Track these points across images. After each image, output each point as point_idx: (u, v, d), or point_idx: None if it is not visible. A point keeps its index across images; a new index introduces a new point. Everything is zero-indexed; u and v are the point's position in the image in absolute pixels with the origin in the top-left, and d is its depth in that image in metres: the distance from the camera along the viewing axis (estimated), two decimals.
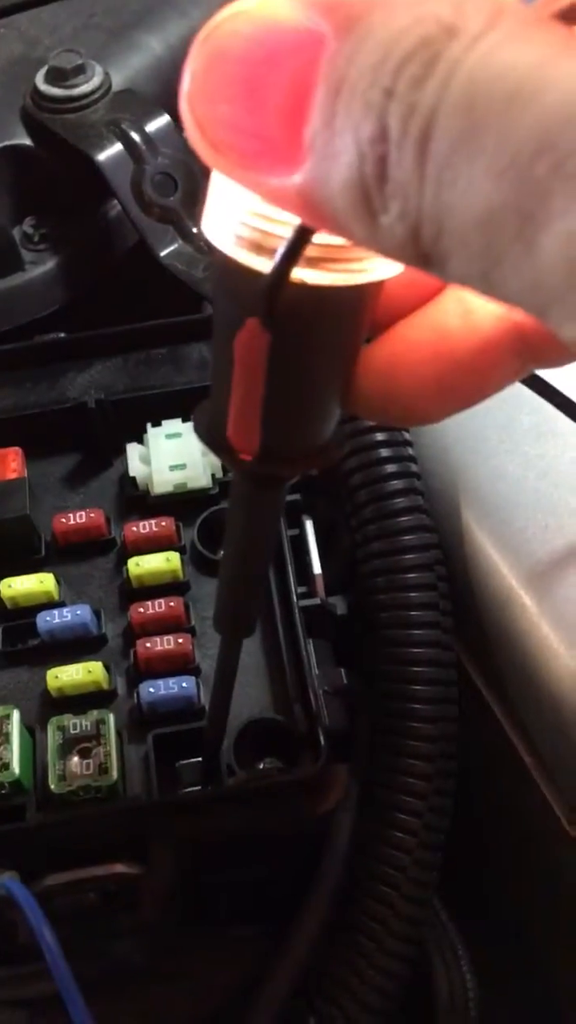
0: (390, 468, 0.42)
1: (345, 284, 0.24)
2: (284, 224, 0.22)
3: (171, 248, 0.55)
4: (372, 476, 0.42)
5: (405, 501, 0.42)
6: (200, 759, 0.40)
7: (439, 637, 0.41)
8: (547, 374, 0.39)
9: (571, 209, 0.16)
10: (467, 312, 0.28)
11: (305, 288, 0.24)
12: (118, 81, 0.58)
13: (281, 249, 0.23)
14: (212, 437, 0.28)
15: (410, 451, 0.43)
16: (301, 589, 0.43)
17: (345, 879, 0.40)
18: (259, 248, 0.24)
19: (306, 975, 0.39)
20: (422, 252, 0.19)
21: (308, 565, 0.44)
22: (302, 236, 0.22)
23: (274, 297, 0.24)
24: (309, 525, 0.44)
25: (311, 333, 0.26)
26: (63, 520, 0.45)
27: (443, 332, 0.28)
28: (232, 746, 0.40)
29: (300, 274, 0.24)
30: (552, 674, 0.38)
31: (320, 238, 0.23)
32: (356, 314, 0.27)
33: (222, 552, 0.33)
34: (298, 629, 0.41)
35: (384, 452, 0.42)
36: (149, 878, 0.38)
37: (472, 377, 0.28)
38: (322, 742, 0.38)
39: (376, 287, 0.26)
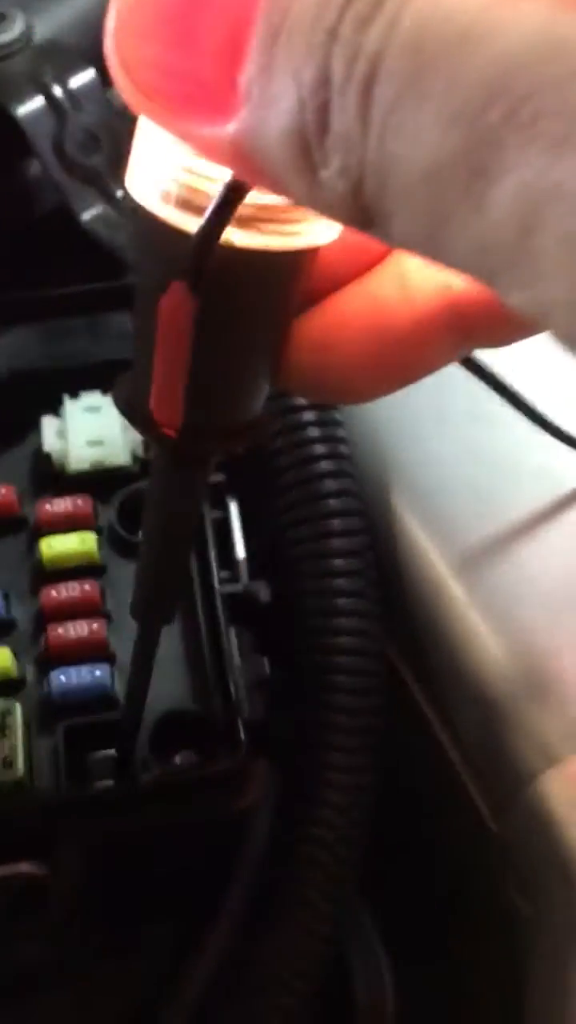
0: (319, 449, 0.40)
1: (279, 248, 0.23)
2: (215, 180, 0.21)
3: (93, 212, 0.52)
4: (300, 457, 0.40)
5: (334, 484, 0.40)
6: (113, 752, 0.38)
7: (366, 625, 0.39)
8: (484, 355, 0.37)
9: (524, 162, 0.14)
10: (405, 284, 0.26)
11: (235, 251, 0.22)
12: (42, 32, 0.55)
13: (211, 207, 0.21)
14: (133, 410, 0.26)
15: (341, 432, 0.41)
16: (224, 574, 0.41)
17: (262, 876, 0.38)
18: (187, 206, 0.22)
19: (222, 973, 0.38)
20: (364, 210, 0.17)
21: (232, 549, 0.42)
22: (234, 192, 0.20)
23: (202, 259, 0.22)
24: (234, 507, 0.43)
25: (240, 300, 0.24)
26: None
27: (379, 304, 0.26)
28: (148, 739, 0.38)
29: (230, 235, 0.22)
30: (479, 665, 0.37)
31: (254, 196, 0.21)
32: (289, 281, 0.25)
33: (141, 534, 0.31)
34: (219, 616, 0.39)
35: (313, 432, 0.40)
36: (56, 878, 0.36)
37: (408, 352, 0.27)
38: (241, 735, 0.36)
39: (311, 253, 0.25)
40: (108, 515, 0.42)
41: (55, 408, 0.44)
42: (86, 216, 0.52)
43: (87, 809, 0.36)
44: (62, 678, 0.38)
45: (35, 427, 0.44)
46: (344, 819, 0.38)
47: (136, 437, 0.43)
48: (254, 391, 0.26)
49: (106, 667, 0.38)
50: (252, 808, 0.37)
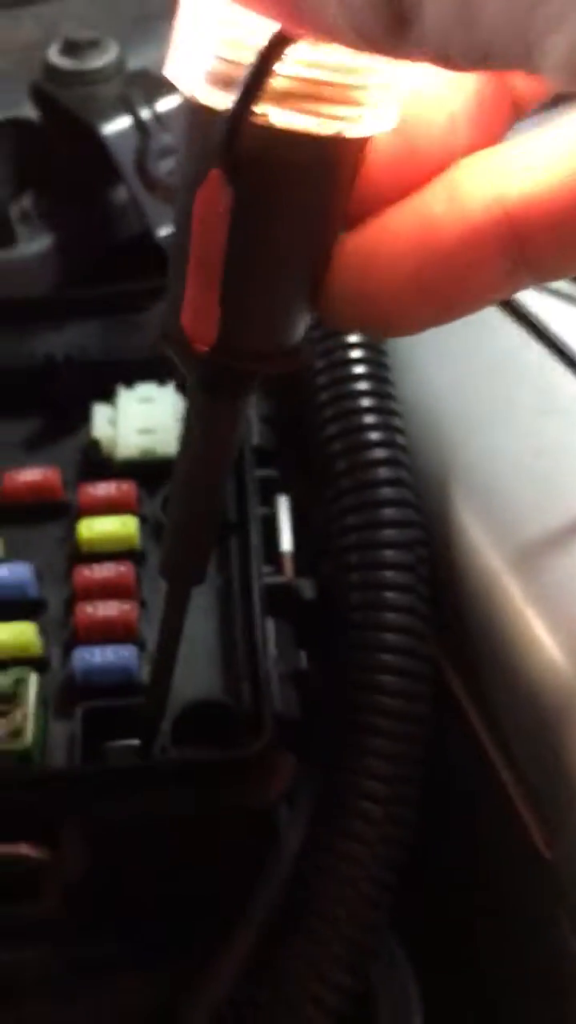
0: (374, 436, 0.38)
1: (321, 133, 0.21)
2: (253, 48, 0.19)
3: (171, 230, 0.52)
4: (354, 444, 0.38)
5: (388, 472, 0.38)
6: (132, 742, 0.35)
7: (415, 624, 0.36)
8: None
9: None
10: (455, 198, 0.25)
11: (274, 135, 0.21)
12: (135, 63, 0.57)
13: (246, 71, 0.20)
14: (165, 328, 0.25)
15: (397, 422, 0.39)
16: (268, 568, 0.39)
17: (285, 892, 0.35)
18: (227, 82, 0.21)
19: (228, 1002, 0.34)
20: (395, 9, 0.16)
21: (277, 543, 0.40)
22: (272, 50, 0.19)
23: (236, 133, 0.21)
24: (284, 501, 0.41)
25: (280, 195, 0.23)
26: (14, 476, 0.41)
27: (427, 220, 0.25)
28: (170, 728, 0.35)
29: (269, 114, 0.21)
30: (534, 668, 0.33)
31: (293, 68, 0.20)
32: (331, 179, 0.23)
33: (172, 480, 0.29)
34: (255, 602, 0.36)
35: (369, 419, 0.38)
36: (58, 865, 0.33)
37: (457, 275, 0.25)
38: (268, 722, 0.33)
39: (356, 149, 0.23)
40: (153, 505, 0.41)
41: (110, 399, 0.43)
42: (163, 234, 0.53)
43: (97, 789, 0.33)
44: (85, 656, 0.36)
45: (88, 421, 0.43)
46: (378, 834, 0.34)
47: None
48: (292, 310, 0.25)
49: (133, 650, 0.36)
50: (275, 804, 0.33)
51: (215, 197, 0.22)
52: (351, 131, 0.21)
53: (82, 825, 0.33)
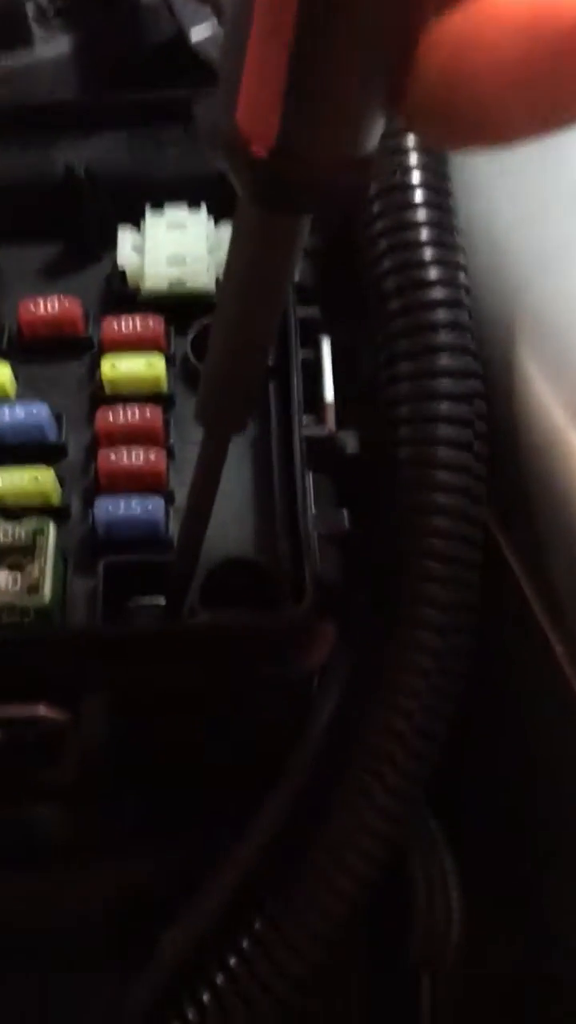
0: (433, 274, 0.34)
1: None
2: None
3: (203, 32, 0.47)
4: (411, 280, 0.34)
5: (447, 315, 0.34)
6: (158, 601, 0.32)
7: (469, 484, 0.33)
8: None
9: None
10: None
11: None
12: None
13: None
14: (215, 127, 0.21)
15: (460, 258, 0.35)
16: (309, 418, 0.35)
17: (317, 763, 0.33)
18: None
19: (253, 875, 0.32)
20: None
21: (320, 392, 0.36)
22: None
23: None
24: (326, 345, 0.37)
25: None
26: (31, 308, 0.37)
27: None
28: (199, 588, 0.32)
29: None
30: None
31: None
32: None
33: (215, 310, 0.26)
34: (296, 458, 0.33)
35: (428, 254, 0.34)
36: (77, 729, 0.31)
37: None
38: (309, 587, 0.30)
39: None
40: (183, 344, 0.37)
41: (136, 224, 0.39)
42: (196, 36, 0.47)
43: (120, 650, 0.30)
44: (109, 508, 0.33)
45: (112, 248, 0.39)
46: (422, 705, 0.32)
47: (222, 259, 0.38)
48: (369, 106, 0.21)
49: (160, 502, 0.33)
50: (313, 674, 0.31)
51: None
52: None
53: (103, 688, 0.31)
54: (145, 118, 0.41)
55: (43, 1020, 0.35)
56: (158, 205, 0.39)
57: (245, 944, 0.34)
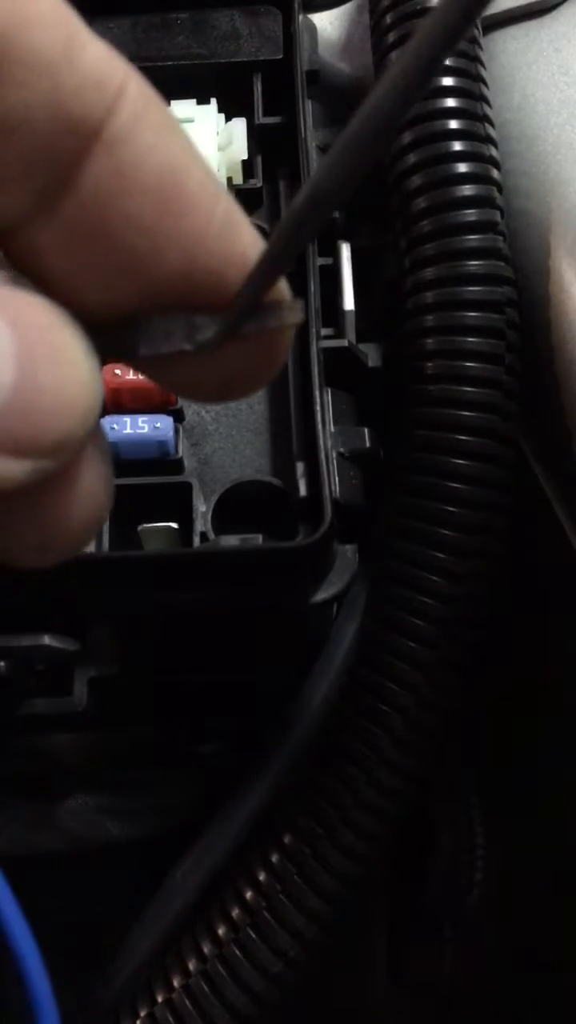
0: (463, 168, 0.31)
1: None
2: None
3: None
4: (438, 177, 0.31)
5: (477, 214, 0.31)
6: (170, 525, 0.31)
7: (499, 400, 0.31)
8: None
9: None
10: None
11: None
12: None
13: None
14: None
15: (493, 152, 0.32)
16: (327, 330, 0.33)
17: (338, 695, 0.31)
18: None
19: (275, 805, 0.31)
20: None
21: (339, 301, 0.34)
22: None
23: None
24: (346, 251, 0.34)
25: None
26: None
27: None
28: (211, 512, 0.31)
29: None
30: None
31: None
32: None
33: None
34: (312, 369, 0.31)
35: (457, 146, 0.31)
36: (86, 659, 0.30)
37: None
38: (326, 508, 0.28)
39: None
40: None
41: None
42: None
43: (129, 577, 0.29)
44: (115, 426, 0.31)
45: None
46: (445, 634, 0.30)
47: (233, 157, 0.35)
48: None
49: (169, 421, 0.31)
50: (334, 600, 0.29)
51: None
52: None
53: (111, 616, 0.30)
54: (150, 3, 0.37)
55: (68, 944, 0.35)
56: (165, 101, 0.36)
57: (274, 858, 0.32)
